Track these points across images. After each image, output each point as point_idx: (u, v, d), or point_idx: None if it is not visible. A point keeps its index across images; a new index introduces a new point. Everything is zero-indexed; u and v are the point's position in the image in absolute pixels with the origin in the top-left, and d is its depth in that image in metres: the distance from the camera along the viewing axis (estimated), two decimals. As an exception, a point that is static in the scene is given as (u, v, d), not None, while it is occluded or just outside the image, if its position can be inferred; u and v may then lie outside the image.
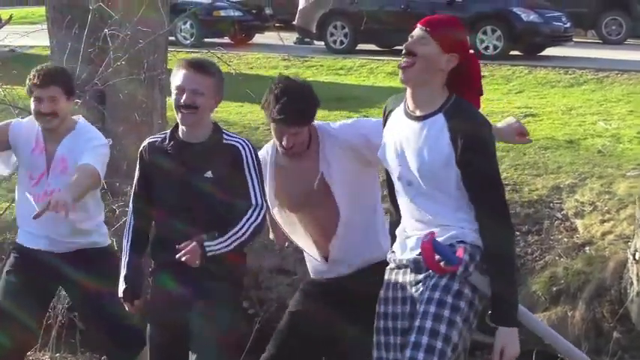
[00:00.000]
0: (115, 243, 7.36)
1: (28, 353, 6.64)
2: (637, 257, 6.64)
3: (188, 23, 19.91)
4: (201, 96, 4.26)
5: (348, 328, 4.52)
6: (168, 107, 9.47)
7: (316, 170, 4.49)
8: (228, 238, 4.24)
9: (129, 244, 4.58)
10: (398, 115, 4.02)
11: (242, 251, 4.42)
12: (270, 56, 17.03)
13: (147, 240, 4.60)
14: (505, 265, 3.82)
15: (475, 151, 3.73)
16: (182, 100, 4.26)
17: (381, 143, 4.08)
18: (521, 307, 4.03)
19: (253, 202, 4.30)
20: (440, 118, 3.83)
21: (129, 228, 4.60)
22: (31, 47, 16.36)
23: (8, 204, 8.21)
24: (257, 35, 21.23)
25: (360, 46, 18.73)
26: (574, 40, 18.99)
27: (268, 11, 21.34)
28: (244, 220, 4.27)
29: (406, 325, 3.96)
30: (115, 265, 4.94)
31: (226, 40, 20.27)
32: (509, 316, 3.81)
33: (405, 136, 3.92)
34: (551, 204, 8.26)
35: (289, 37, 19.08)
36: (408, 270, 3.99)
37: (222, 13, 20.62)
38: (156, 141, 4.49)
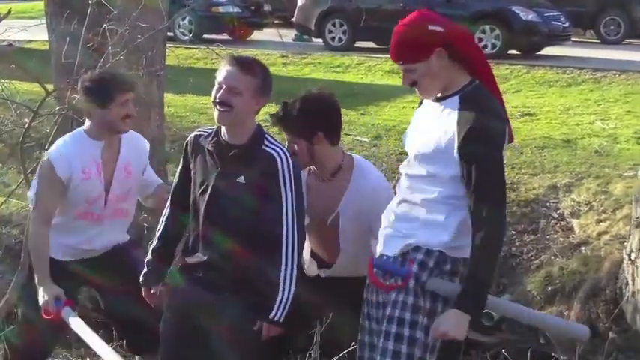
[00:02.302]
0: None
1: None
2: (632, 257, 6.64)
3: (187, 19, 19.91)
4: (238, 95, 4.10)
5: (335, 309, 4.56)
6: (166, 103, 9.48)
7: (336, 204, 4.49)
8: (283, 290, 4.17)
9: (159, 232, 4.59)
10: (427, 101, 4.05)
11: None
12: (268, 53, 17.02)
13: (180, 231, 4.54)
14: (491, 259, 3.76)
15: (477, 141, 3.69)
16: (217, 96, 4.13)
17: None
18: (492, 298, 3.99)
19: (284, 224, 4.15)
20: (455, 99, 3.84)
21: (164, 216, 4.60)
22: (30, 42, 16.37)
23: (4, 199, 8.22)
24: (256, 32, 21.24)
25: (359, 44, 18.73)
26: (572, 39, 18.99)
27: (267, 8, 21.31)
28: (284, 256, 4.16)
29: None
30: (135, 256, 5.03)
31: (225, 36, 20.26)
32: (469, 304, 3.74)
33: (424, 116, 3.98)
34: (548, 203, 8.26)
35: (288, 34, 19.07)
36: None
37: (221, 9, 20.61)
38: (201, 135, 4.38)
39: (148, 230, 7.65)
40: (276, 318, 4.17)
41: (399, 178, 4.25)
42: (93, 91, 4.83)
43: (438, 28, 3.83)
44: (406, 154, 4.09)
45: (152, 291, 4.62)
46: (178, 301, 4.47)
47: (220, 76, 4.16)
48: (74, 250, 5.10)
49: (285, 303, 4.17)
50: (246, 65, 4.14)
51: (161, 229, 4.60)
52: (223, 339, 4.31)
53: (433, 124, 3.86)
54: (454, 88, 3.87)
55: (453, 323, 3.72)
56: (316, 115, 4.43)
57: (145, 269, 4.60)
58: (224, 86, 4.12)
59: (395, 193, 4.27)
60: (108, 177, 4.96)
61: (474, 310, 3.74)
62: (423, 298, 3.87)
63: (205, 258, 4.31)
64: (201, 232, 4.31)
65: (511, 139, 3.96)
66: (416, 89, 3.93)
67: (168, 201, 4.61)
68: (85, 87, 4.87)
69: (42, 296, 4.80)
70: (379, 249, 4.07)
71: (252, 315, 4.26)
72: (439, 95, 3.92)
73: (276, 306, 4.17)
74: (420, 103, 4.16)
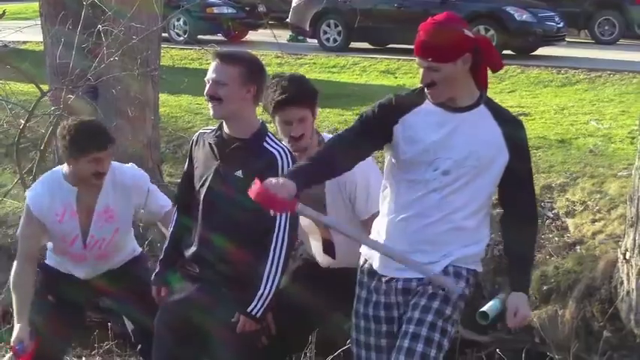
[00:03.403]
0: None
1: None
2: (627, 257, 6.65)
3: (181, 20, 19.91)
4: (223, 87, 4.16)
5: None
6: (161, 103, 9.49)
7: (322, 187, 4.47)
8: (265, 285, 4.19)
9: (170, 231, 4.64)
10: (426, 110, 3.96)
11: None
12: (263, 53, 16.98)
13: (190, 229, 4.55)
14: (532, 252, 4.21)
15: (523, 151, 4.03)
16: (206, 92, 4.21)
17: (407, 140, 3.98)
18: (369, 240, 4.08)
19: (277, 220, 4.19)
20: (483, 109, 3.93)
21: (173, 217, 4.64)
22: (25, 43, 16.37)
23: (0, 198, 8.23)
24: (250, 32, 21.23)
25: (354, 44, 18.72)
26: (567, 39, 19.01)
27: (261, 8, 21.30)
28: (271, 252, 4.19)
29: (392, 328, 4.02)
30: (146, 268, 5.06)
31: (220, 37, 20.26)
32: (527, 286, 4.10)
33: (452, 127, 3.91)
34: (543, 203, 8.27)
35: (282, 35, 19.07)
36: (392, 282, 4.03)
37: (216, 10, 20.60)
38: (205, 132, 4.45)
39: (144, 230, 7.66)
40: (254, 312, 4.19)
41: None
42: (68, 140, 4.74)
43: (470, 35, 3.85)
44: None
45: (162, 293, 4.61)
46: (175, 302, 4.47)
47: (209, 72, 4.25)
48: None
49: (265, 298, 4.19)
50: (228, 57, 4.24)
51: (171, 230, 4.66)
52: (220, 339, 4.32)
53: (474, 132, 3.89)
54: (467, 98, 3.90)
55: (523, 304, 4.00)
56: (308, 83, 4.52)
57: (157, 269, 4.63)
58: (211, 81, 4.21)
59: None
60: (85, 221, 4.92)
61: (528, 289, 4.11)
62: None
63: (202, 251, 4.32)
64: (200, 225, 4.33)
65: None
66: (427, 91, 3.90)
67: (177, 200, 4.69)
68: (62, 135, 4.79)
69: (14, 333, 4.79)
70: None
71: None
72: (461, 105, 3.92)
73: (255, 300, 4.19)
74: (401, 109, 4.02)
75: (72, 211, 4.88)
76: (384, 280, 4.04)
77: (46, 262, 5.21)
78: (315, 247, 4.75)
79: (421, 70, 3.89)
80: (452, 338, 3.99)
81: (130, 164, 5.17)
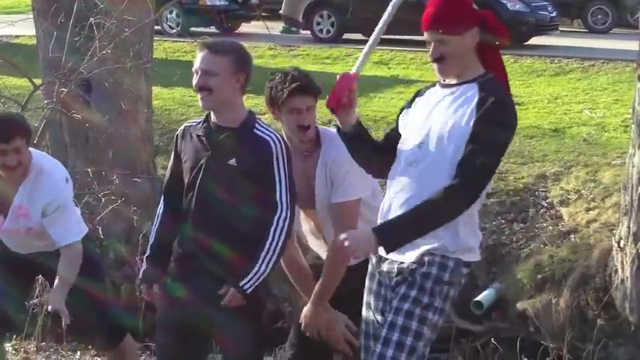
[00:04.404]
0: (100, 231, 7.40)
1: (14, 342, 6.69)
2: (622, 245, 6.67)
3: (174, 12, 19.86)
4: (214, 77, 4.13)
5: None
6: (154, 96, 9.48)
7: (313, 172, 4.47)
8: (262, 262, 4.14)
9: (155, 228, 4.54)
10: (430, 91, 4.00)
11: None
12: (256, 45, 16.99)
13: (174, 227, 4.48)
14: (430, 222, 3.77)
15: (491, 123, 3.73)
16: (196, 83, 4.17)
17: (403, 122, 4.03)
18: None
19: (278, 203, 4.17)
20: (473, 86, 3.83)
21: (158, 212, 4.56)
22: (17, 37, 16.32)
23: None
24: (243, 24, 21.18)
25: (347, 35, 18.70)
26: (560, 29, 19.01)
27: (254, 0, 21.27)
28: (272, 232, 4.16)
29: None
30: (93, 259, 4.98)
31: (213, 29, 20.22)
32: (390, 242, 3.76)
33: (436, 101, 3.90)
34: (537, 192, 8.29)
35: (275, 27, 19.05)
36: (388, 267, 4.01)
37: (208, 2, 20.53)
38: (190, 125, 4.40)
39: (138, 223, 7.66)
40: (245, 287, 4.12)
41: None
42: None
43: (477, 9, 3.91)
44: None
45: (154, 289, 4.57)
46: (172, 304, 4.43)
47: (196, 62, 4.21)
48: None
49: (260, 276, 4.14)
50: (216, 47, 4.20)
51: (156, 227, 4.56)
52: (223, 343, 4.35)
53: (449, 107, 3.83)
54: (468, 77, 3.86)
55: (366, 242, 3.76)
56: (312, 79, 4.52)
57: (144, 266, 4.58)
58: (200, 72, 4.17)
59: None
60: (4, 209, 4.89)
61: (389, 244, 3.76)
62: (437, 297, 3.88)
63: (195, 246, 4.29)
64: (192, 219, 4.29)
65: None
66: (436, 67, 3.90)
67: (162, 196, 4.59)
68: None
69: None
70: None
71: (242, 314, 4.23)
72: (453, 82, 3.90)
73: (249, 275, 4.13)
74: (410, 103, 4.08)
75: None
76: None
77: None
78: (320, 245, 4.73)
79: (430, 47, 3.89)
80: (436, 326, 3.89)
81: (63, 171, 5.01)
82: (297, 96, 4.37)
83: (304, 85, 4.39)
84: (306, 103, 4.40)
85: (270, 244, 4.15)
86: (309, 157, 4.49)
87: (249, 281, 4.13)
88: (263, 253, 4.15)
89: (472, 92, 3.81)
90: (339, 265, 4.45)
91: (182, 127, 4.46)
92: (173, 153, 4.48)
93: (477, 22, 3.87)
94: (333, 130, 4.33)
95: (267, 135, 4.22)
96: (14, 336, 6.70)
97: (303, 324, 4.56)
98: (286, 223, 4.18)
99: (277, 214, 4.17)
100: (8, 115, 5.04)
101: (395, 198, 3.93)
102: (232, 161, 4.18)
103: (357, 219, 4.40)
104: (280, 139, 4.24)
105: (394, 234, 3.78)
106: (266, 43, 16.51)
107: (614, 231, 7.04)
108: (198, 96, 4.21)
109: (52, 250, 4.99)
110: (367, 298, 4.14)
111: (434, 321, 3.87)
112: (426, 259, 3.86)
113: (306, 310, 4.56)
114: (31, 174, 4.83)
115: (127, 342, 5.37)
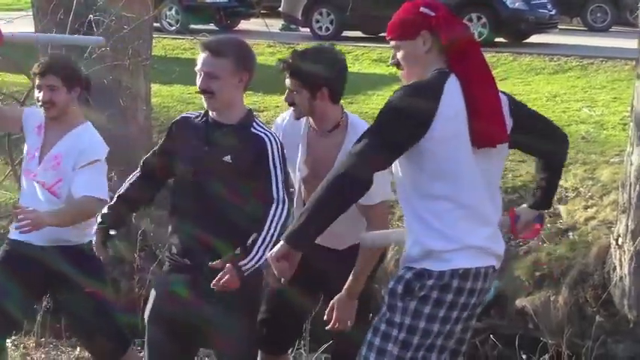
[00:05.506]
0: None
1: (13, 338, 6.69)
2: (620, 242, 6.68)
3: (173, 9, 19.85)
4: (216, 80, 4.12)
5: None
6: (153, 93, 9.48)
7: (332, 159, 4.37)
8: (259, 248, 4.09)
9: (120, 192, 4.56)
10: None
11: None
12: (255, 43, 16.96)
13: (140, 196, 4.55)
14: (317, 207, 3.59)
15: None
16: (199, 85, 4.17)
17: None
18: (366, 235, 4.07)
19: (275, 197, 4.14)
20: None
21: (130, 179, 4.56)
22: (16, 33, 16.32)
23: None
24: (242, 22, 21.19)
25: (346, 33, 18.71)
26: (559, 27, 19.02)
27: (254, -2, 21.27)
28: (269, 221, 4.12)
29: None
30: (97, 260, 4.95)
31: (212, 26, 20.22)
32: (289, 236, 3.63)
33: None
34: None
35: (275, 24, 19.04)
36: None
37: (208, -1, 20.57)
38: (189, 117, 4.41)
39: (137, 220, 7.66)
40: (243, 267, 4.05)
41: None
42: None
43: (430, 13, 3.81)
44: None
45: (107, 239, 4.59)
46: (163, 300, 4.43)
47: (198, 63, 4.21)
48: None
49: (256, 262, 4.08)
50: (216, 49, 4.16)
51: (122, 190, 4.56)
52: (219, 343, 4.34)
53: None
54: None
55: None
56: (327, 69, 4.44)
57: (99, 220, 4.57)
58: (202, 74, 4.17)
59: None
60: (44, 150, 4.96)
61: (289, 239, 3.62)
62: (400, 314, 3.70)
63: (190, 240, 4.28)
64: (190, 212, 4.28)
65: (484, 140, 3.72)
66: (399, 74, 3.91)
67: (139, 166, 4.59)
68: None
69: None
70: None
71: (240, 314, 4.24)
72: None
73: (248, 257, 4.06)
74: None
75: (42, 130, 4.96)
76: None
77: (10, 236, 5.14)
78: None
79: None
80: (408, 343, 3.63)
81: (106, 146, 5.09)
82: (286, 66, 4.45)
83: (293, 74, 4.42)
84: (293, 86, 4.45)
85: (267, 232, 4.11)
86: (330, 136, 4.51)
87: (247, 264, 4.06)
88: (260, 240, 4.09)
89: None
90: (371, 261, 4.49)
91: (180, 117, 4.48)
92: (165, 136, 4.50)
93: (426, 26, 3.76)
94: (356, 117, 4.51)
95: (262, 133, 4.21)
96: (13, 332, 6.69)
97: (335, 314, 4.49)
98: (282, 217, 4.15)
99: (274, 208, 4.15)
100: (57, 54, 5.11)
101: None
102: (227, 158, 4.17)
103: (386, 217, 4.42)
104: (276, 138, 4.24)
105: (296, 230, 3.63)
106: (265, 41, 16.50)
107: (613, 228, 7.05)
108: (202, 97, 4.21)
109: (64, 244, 4.97)
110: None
111: (401, 338, 3.64)
112: (400, 271, 3.77)
113: (339, 301, 4.48)
114: (77, 127, 4.95)
115: (132, 355, 5.30)
